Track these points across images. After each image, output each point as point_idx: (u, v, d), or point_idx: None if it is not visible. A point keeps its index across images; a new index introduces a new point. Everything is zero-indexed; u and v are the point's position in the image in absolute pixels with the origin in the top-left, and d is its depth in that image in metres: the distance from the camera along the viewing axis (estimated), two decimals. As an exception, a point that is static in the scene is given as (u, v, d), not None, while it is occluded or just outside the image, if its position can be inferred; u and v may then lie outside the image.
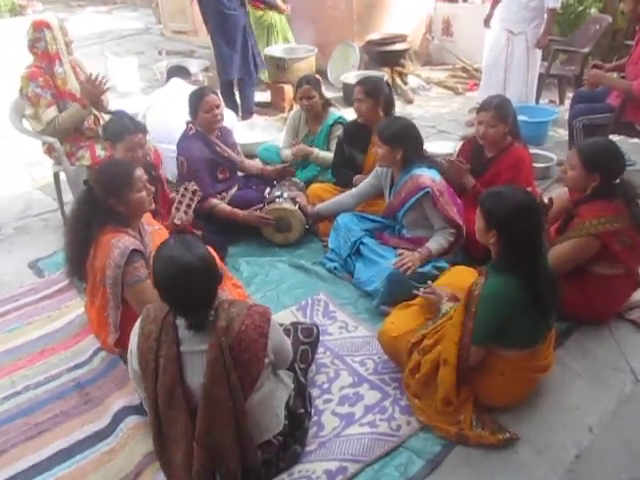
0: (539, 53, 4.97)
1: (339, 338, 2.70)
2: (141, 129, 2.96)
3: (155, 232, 2.60)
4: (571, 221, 2.56)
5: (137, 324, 1.89)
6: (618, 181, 2.53)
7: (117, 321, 2.36)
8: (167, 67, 5.19)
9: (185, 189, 3.03)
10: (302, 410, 2.11)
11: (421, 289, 2.47)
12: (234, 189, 3.59)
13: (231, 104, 5.22)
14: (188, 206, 2.96)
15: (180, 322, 1.82)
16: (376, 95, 3.33)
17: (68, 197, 3.66)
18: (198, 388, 1.80)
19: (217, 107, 3.37)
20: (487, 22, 5.10)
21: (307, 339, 2.37)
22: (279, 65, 5.70)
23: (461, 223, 2.87)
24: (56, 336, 2.75)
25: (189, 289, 1.75)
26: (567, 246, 2.51)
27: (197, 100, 3.35)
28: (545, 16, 4.72)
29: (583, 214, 2.52)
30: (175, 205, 2.95)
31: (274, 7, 5.66)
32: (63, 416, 2.29)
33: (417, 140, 2.95)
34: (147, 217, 2.62)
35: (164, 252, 1.81)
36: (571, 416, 2.25)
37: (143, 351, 1.82)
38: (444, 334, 2.18)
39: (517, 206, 2.04)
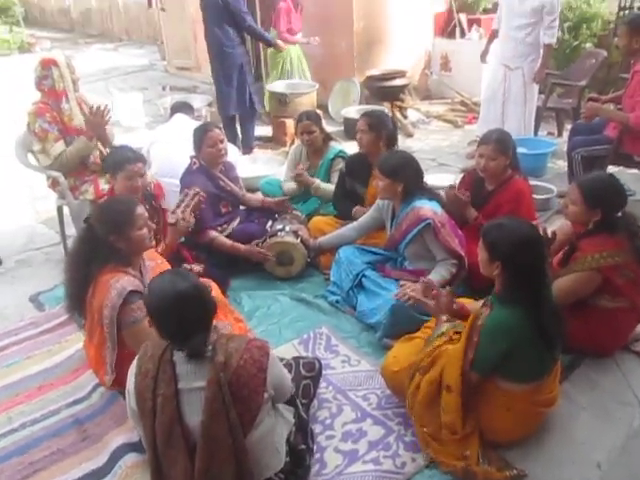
0: (536, 87, 5.05)
1: (341, 372, 2.67)
2: (140, 158, 3.00)
3: (157, 266, 2.59)
4: (573, 254, 2.55)
5: (134, 363, 1.87)
6: (620, 215, 2.53)
7: (113, 362, 2.34)
8: (171, 103, 5.29)
9: (186, 194, 3.06)
10: (303, 446, 2.07)
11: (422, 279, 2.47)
12: (236, 222, 3.60)
13: (233, 139, 5.30)
14: (187, 206, 2.97)
15: (178, 358, 1.80)
16: (379, 129, 3.37)
17: (71, 231, 3.68)
18: (197, 426, 1.76)
19: (221, 142, 3.41)
20: (483, 57, 5.21)
21: (309, 373, 2.34)
22: (281, 100, 5.79)
23: (463, 254, 2.86)
24: (55, 371, 2.72)
25: (182, 317, 1.74)
26: (569, 280, 2.50)
27: (201, 135, 3.40)
28: (541, 51, 4.81)
29: (585, 248, 2.51)
30: (174, 207, 2.97)
31: (271, 45, 5.76)
32: (60, 454, 2.24)
33: (417, 173, 2.97)
34: (149, 252, 2.62)
35: (155, 283, 1.82)
36: (579, 452, 2.20)
37: (140, 390, 1.79)
38: (441, 354, 2.16)
39: (521, 238, 2.04)
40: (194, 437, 1.78)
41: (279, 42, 5.68)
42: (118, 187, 2.94)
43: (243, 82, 5.28)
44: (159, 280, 1.83)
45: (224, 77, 5.27)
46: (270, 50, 6.15)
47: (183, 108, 4.49)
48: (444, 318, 2.32)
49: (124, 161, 2.91)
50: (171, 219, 2.87)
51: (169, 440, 1.77)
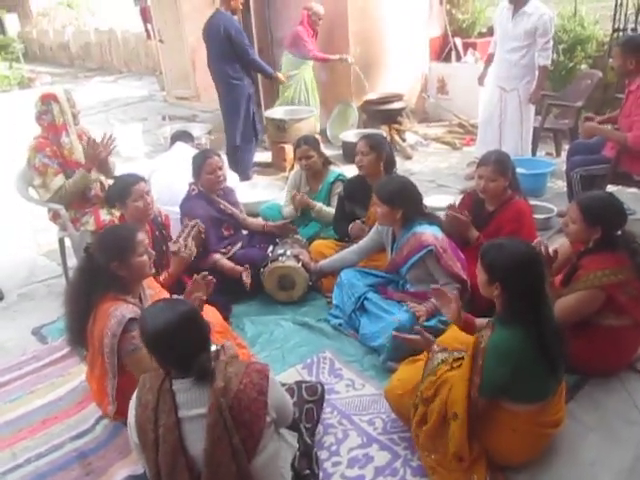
0: (532, 108, 5.11)
1: (346, 397, 2.65)
2: (141, 178, 3.04)
3: (156, 295, 2.59)
4: (575, 273, 2.55)
5: (134, 395, 1.85)
6: (620, 233, 2.54)
7: (114, 392, 2.33)
8: (171, 132, 5.36)
9: (186, 225, 3.11)
10: (308, 471, 2.05)
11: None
12: (238, 245, 3.62)
13: (236, 167, 5.34)
14: (188, 234, 3.02)
15: (177, 387, 1.78)
16: (379, 150, 3.41)
17: (72, 262, 3.68)
18: (200, 455, 1.74)
19: (220, 169, 3.45)
20: (481, 80, 5.28)
21: (311, 397, 2.32)
22: (279, 126, 5.85)
23: (465, 278, 2.86)
24: (59, 404, 2.70)
25: (181, 342, 1.76)
26: (572, 299, 2.49)
27: (200, 162, 3.44)
28: (536, 73, 4.87)
29: (587, 266, 2.51)
30: (175, 238, 3.01)
31: (272, 78, 5.84)
32: (65, 488, 2.22)
33: (416, 198, 2.98)
34: (149, 281, 2.63)
35: (146, 318, 1.83)
36: (587, 473, 2.17)
37: (141, 422, 1.78)
38: (443, 383, 2.15)
39: (519, 258, 2.05)
40: (198, 467, 1.76)
41: (279, 75, 5.78)
42: (130, 212, 2.96)
43: (249, 112, 5.37)
44: (148, 314, 1.83)
45: (232, 108, 5.37)
46: (283, 73, 6.22)
47: (183, 137, 4.54)
48: (436, 348, 2.31)
49: (128, 185, 2.95)
50: (173, 247, 2.90)
51: (173, 472, 1.75)
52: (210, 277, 2.59)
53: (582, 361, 2.47)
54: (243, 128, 5.38)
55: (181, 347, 1.76)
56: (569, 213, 2.62)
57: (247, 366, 1.83)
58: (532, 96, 4.94)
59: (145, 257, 2.40)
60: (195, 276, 2.58)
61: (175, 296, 2.61)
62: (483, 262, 2.13)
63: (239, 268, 3.36)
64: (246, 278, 3.32)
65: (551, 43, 4.81)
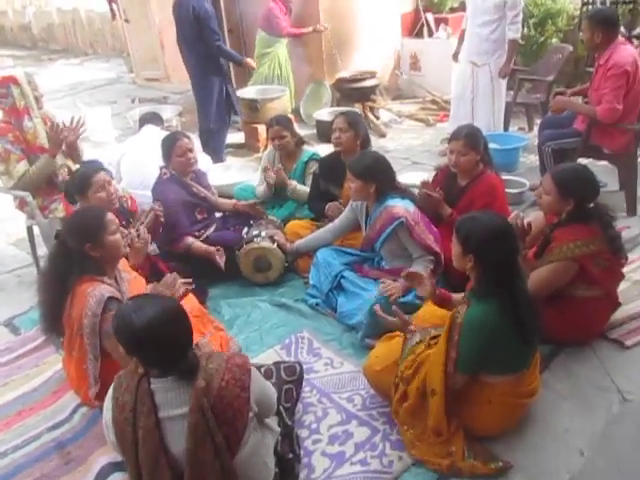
0: (503, 83, 5.11)
1: (325, 375, 2.66)
2: (99, 167, 2.97)
3: (132, 280, 2.57)
4: (548, 245, 2.58)
5: (109, 396, 1.78)
6: (592, 205, 2.57)
7: (97, 373, 2.31)
8: (140, 114, 5.24)
9: (142, 213, 3.07)
10: (291, 455, 2.06)
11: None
12: (212, 229, 3.59)
13: (211, 149, 5.26)
14: (141, 223, 2.97)
15: (156, 387, 1.71)
16: (357, 127, 3.40)
17: (42, 251, 3.62)
18: (182, 453, 1.70)
19: (190, 151, 3.39)
20: (455, 57, 5.28)
21: (290, 377, 2.32)
22: (252, 106, 5.77)
23: (438, 251, 2.88)
24: (34, 395, 2.66)
25: (169, 339, 1.68)
26: (545, 271, 2.53)
27: (170, 145, 3.38)
28: (507, 47, 4.88)
29: (559, 238, 2.54)
30: (130, 227, 2.94)
31: (241, 65, 5.64)
32: (44, 479, 2.19)
33: (389, 172, 2.98)
34: (124, 265, 2.60)
35: (126, 308, 1.73)
36: (561, 440, 2.23)
37: (119, 423, 1.71)
38: (423, 361, 2.17)
39: (493, 230, 2.06)
40: (180, 465, 1.72)
41: (248, 60, 5.61)
42: (94, 204, 2.89)
43: (223, 93, 5.23)
44: (129, 309, 1.71)
45: (205, 90, 5.20)
46: (257, 51, 6.15)
47: (152, 119, 4.45)
48: (413, 328, 2.33)
49: (87, 177, 2.87)
50: (127, 240, 2.77)
51: (155, 472, 1.70)
52: (184, 285, 2.52)
53: (555, 331, 2.52)
54: (217, 109, 5.27)
55: (166, 346, 1.69)
56: (543, 185, 2.65)
57: (227, 360, 1.76)
58: (502, 70, 4.95)
59: (118, 235, 2.38)
60: (167, 275, 2.54)
61: (150, 286, 2.58)
62: (458, 234, 2.14)
63: (212, 249, 3.33)
64: (219, 259, 3.30)
65: (520, 16, 4.81)
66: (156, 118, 4.49)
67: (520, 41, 5.15)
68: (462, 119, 5.02)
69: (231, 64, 6.04)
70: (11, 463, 2.29)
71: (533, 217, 3.01)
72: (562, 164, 2.95)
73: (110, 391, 1.79)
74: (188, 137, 3.47)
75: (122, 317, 1.71)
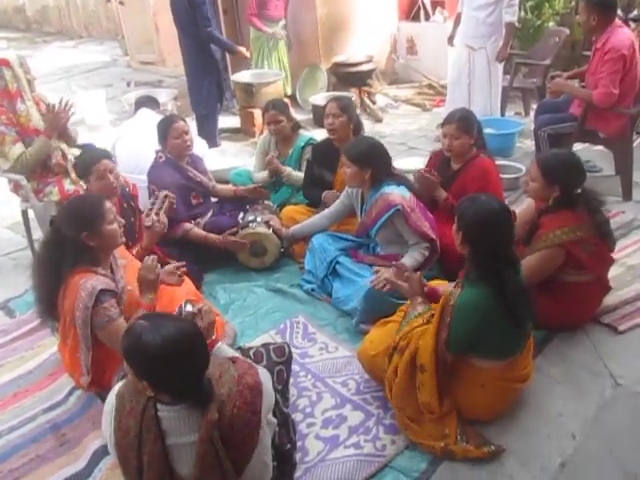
0: (500, 67, 5.09)
1: (320, 360, 2.68)
2: (104, 155, 2.94)
3: (129, 264, 2.56)
4: (535, 232, 2.59)
5: (111, 415, 1.67)
6: (580, 191, 2.58)
7: (88, 363, 2.31)
8: (136, 98, 5.20)
9: (156, 197, 3.02)
10: (289, 446, 2.07)
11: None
12: (208, 215, 3.58)
13: (206, 134, 5.22)
14: (159, 208, 2.93)
15: (164, 415, 1.61)
16: (350, 112, 3.38)
17: (37, 234, 3.60)
18: (189, 475, 1.63)
19: (186, 133, 3.37)
20: (450, 40, 5.24)
21: (280, 359, 2.29)
22: (247, 90, 5.73)
23: (434, 237, 2.88)
24: (29, 377, 2.67)
25: (191, 363, 1.57)
26: (534, 259, 2.53)
27: (166, 127, 3.35)
28: (503, 31, 4.84)
29: (547, 225, 2.55)
30: (146, 211, 2.92)
31: (233, 53, 5.56)
32: (39, 460, 2.21)
33: (385, 158, 2.97)
34: (120, 249, 2.58)
35: (140, 326, 1.58)
36: (554, 424, 2.25)
37: (122, 448, 1.63)
38: (416, 334, 2.18)
39: (484, 212, 2.08)
40: None
41: (241, 49, 5.54)
42: (93, 190, 2.87)
43: (217, 79, 5.18)
44: (143, 328, 1.56)
45: (197, 74, 5.17)
46: (252, 36, 6.13)
47: (148, 102, 4.41)
48: (419, 299, 2.34)
49: (89, 164, 2.85)
50: (147, 222, 2.80)
51: None
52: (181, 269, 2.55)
53: (547, 317, 2.53)
54: (207, 95, 5.22)
55: (181, 372, 1.56)
56: (530, 171, 2.66)
57: (239, 382, 1.66)
58: (499, 54, 4.92)
59: (115, 225, 2.34)
60: (167, 267, 2.54)
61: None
62: (456, 210, 2.17)
63: (212, 236, 3.32)
64: (234, 243, 3.30)
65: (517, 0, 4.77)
66: (152, 101, 4.45)
67: (517, 24, 5.10)
68: (458, 103, 4.99)
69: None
70: (7, 444, 2.30)
71: (527, 203, 3.02)
72: (548, 150, 2.95)
73: (110, 406, 1.69)
74: (184, 120, 3.45)
75: (136, 338, 1.55)
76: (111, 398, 1.70)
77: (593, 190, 2.63)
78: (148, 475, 1.61)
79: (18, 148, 3.31)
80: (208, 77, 5.16)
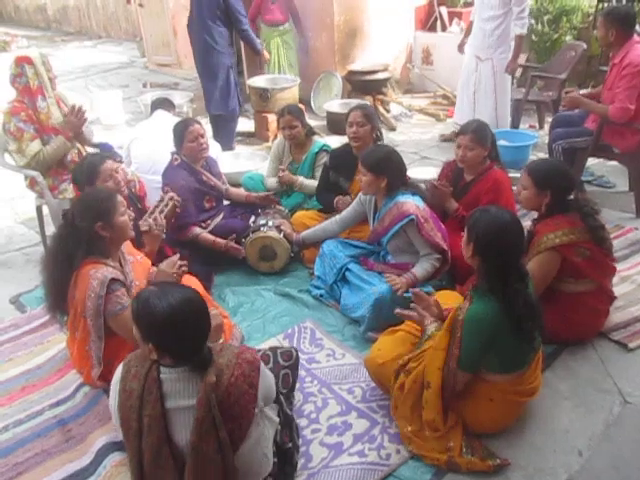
0: (508, 79, 5.10)
1: (326, 366, 2.67)
2: (106, 155, 2.97)
3: (136, 262, 2.59)
4: (531, 240, 2.60)
5: (117, 380, 1.76)
6: (572, 197, 2.61)
7: (100, 354, 2.34)
8: (152, 99, 5.24)
9: (162, 198, 3.01)
10: (290, 444, 2.07)
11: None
12: (219, 217, 3.59)
13: (217, 135, 5.26)
14: (160, 212, 2.92)
15: (165, 377, 1.70)
16: (374, 120, 3.40)
17: (50, 230, 3.63)
18: (186, 445, 1.70)
19: (202, 136, 3.39)
20: (460, 49, 5.31)
21: (287, 362, 2.32)
22: (262, 95, 5.76)
23: (446, 248, 2.87)
24: (38, 372, 2.69)
25: (193, 328, 1.68)
26: (531, 266, 2.52)
27: (182, 130, 3.37)
28: (512, 43, 4.85)
29: (541, 231, 2.58)
30: (148, 213, 2.91)
31: (258, 53, 5.70)
32: (44, 455, 2.22)
33: (400, 167, 2.97)
34: (128, 247, 2.62)
35: (149, 293, 1.70)
36: (560, 440, 2.23)
37: (124, 410, 1.70)
38: (427, 356, 2.17)
39: (496, 223, 2.07)
40: (183, 455, 1.72)
41: (265, 53, 5.68)
42: None
43: (229, 83, 5.22)
44: (152, 294, 1.68)
45: (209, 75, 5.22)
46: (264, 34, 6.23)
47: (164, 104, 4.45)
48: (428, 322, 2.32)
49: (94, 166, 2.86)
50: (144, 227, 2.78)
51: (157, 460, 1.70)
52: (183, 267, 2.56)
53: (551, 330, 2.49)
54: (220, 98, 5.25)
55: (185, 335, 1.66)
56: (520, 181, 2.68)
57: (238, 355, 1.76)
58: (509, 66, 4.93)
59: (126, 217, 2.41)
60: (170, 258, 2.56)
61: (154, 268, 2.61)
62: (468, 221, 2.17)
63: (219, 241, 3.33)
64: (233, 248, 3.32)
65: (527, 12, 4.78)
66: (168, 103, 4.49)
67: (532, 37, 5.10)
68: (466, 111, 5.10)
69: (243, 53, 6.03)
70: (13, 437, 2.32)
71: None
72: (536, 159, 2.97)
73: (118, 375, 1.77)
74: (200, 123, 3.47)
75: (144, 301, 1.67)
76: (118, 370, 1.79)
77: (587, 198, 2.67)
78: (147, 440, 1.68)
79: (35, 145, 3.34)
80: (221, 78, 5.18)
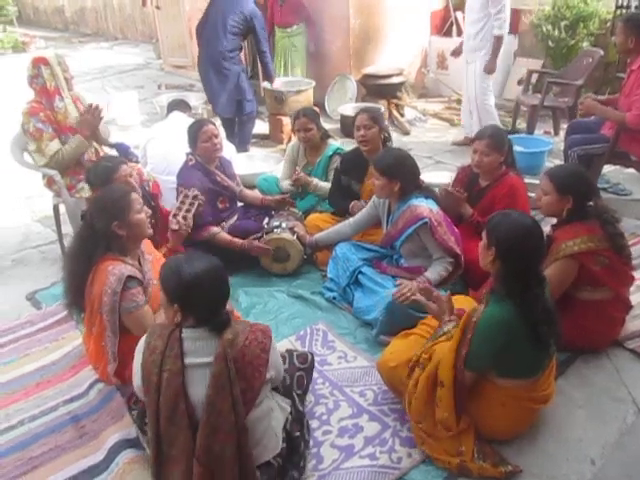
0: (489, 82, 5.14)
1: (338, 368, 2.68)
2: (120, 161, 3.00)
3: (155, 260, 2.61)
4: (550, 246, 2.57)
5: (142, 341, 1.92)
6: (592, 204, 2.58)
7: (115, 349, 2.37)
8: (167, 101, 5.28)
9: (185, 195, 3.01)
10: (298, 433, 2.10)
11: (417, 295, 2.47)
12: (233, 219, 3.61)
13: (231, 137, 5.29)
14: (187, 211, 2.93)
15: (186, 335, 1.86)
16: (381, 122, 3.39)
17: (67, 229, 3.68)
18: (201, 402, 1.82)
19: (215, 136, 3.41)
20: (454, 53, 5.45)
21: (302, 365, 2.36)
22: (277, 98, 5.79)
23: (459, 252, 2.87)
24: (52, 368, 2.72)
25: (216, 290, 1.87)
26: (549, 272, 2.49)
27: (196, 130, 3.39)
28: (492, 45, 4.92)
29: (559, 237, 2.55)
30: (174, 212, 2.92)
31: (270, 80, 5.73)
32: (58, 450, 2.25)
33: (414, 171, 2.97)
34: (147, 245, 2.64)
35: (179, 259, 1.90)
36: (573, 448, 2.21)
37: (147, 365, 1.84)
38: (438, 348, 2.17)
39: (519, 227, 2.06)
40: (197, 415, 1.82)
41: (276, 81, 5.74)
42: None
43: (239, 87, 5.23)
44: (182, 260, 1.88)
45: (218, 79, 5.22)
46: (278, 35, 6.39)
47: (180, 106, 4.48)
48: (448, 318, 2.32)
49: (109, 173, 2.89)
50: (174, 225, 2.80)
51: (173, 417, 1.81)
52: None
53: (569, 337, 2.47)
54: (227, 102, 5.26)
55: (208, 297, 1.85)
56: (541, 186, 2.66)
57: (252, 325, 1.93)
58: (486, 66, 4.98)
59: (143, 215, 2.44)
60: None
61: None
62: (487, 226, 2.15)
63: (237, 240, 3.35)
64: (258, 249, 3.34)
65: (504, 13, 4.82)
66: (184, 105, 4.52)
67: (550, 43, 5.11)
68: (465, 108, 5.29)
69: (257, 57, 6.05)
70: (28, 432, 2.35)
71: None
72: (557, 165, 2.94)
73: (143, 338, 1.92)
74: (214, 124, 3.49)
75: (173, 266, 1.88)
76: (143, 337, 1.93)
77: (606, 205, 2.63)
78: (166, 393, 1.81)
79: (55, 145, 3.38)
80: (231, 82, 5.20)
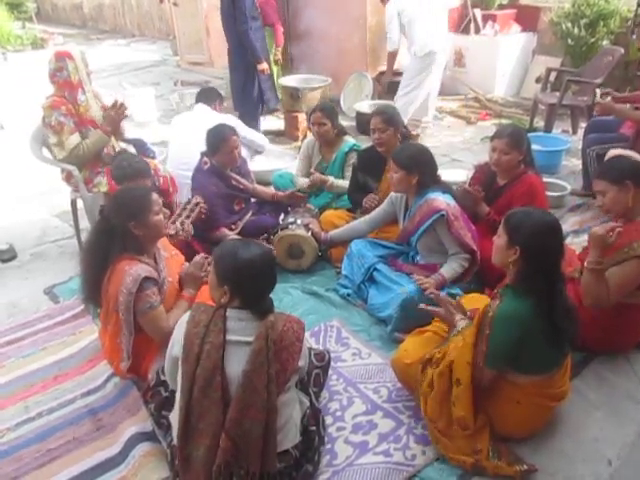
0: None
1: (352, 365, 2.68)
2: (138, 174, 3.02)
3: (171, 258, 2.63)
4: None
5: (186, 314, 2.00)
6: None
7: (129, 348, 2.39)
8: (182, 97, 5.28)
9: (188, 202, 3.03)
10: (314, 428, 2.11)
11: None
12: (248, 215, 3.62)
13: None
14: (187, 217, 2.95)
15: (231, 315, 1.93)
16: (395, 123, 3.36)
17: (84, 224, 3.72)
18: (236, 377, 1.88)
19: (236, 148, 3.41)
20: None
21: (319, 363, 2.38)
22: (293, 95, 5.79)
23: (475, 249, 2.85)
24: (70, 362, 2.75)
25: (268, 276, 1.99)
26: (616, 271, 2.35)
27: (219, 141, 3.36)
28: None
29: (627, 234, 2.33)
30: (173, 217, 2.93)
31: (257, 62, 5.51)
32: (75, 442, 2.27)
33: (432, 165, 2.96)
34: (164, 243, 2.66)
35: (235, 244, 2.01)
36: (590, 449, 2.20)
37: (190, 336, 1.91)
38: (452, 346, 2.16)
39: (544, 225, 2.04)
40: (230, 391, 1.88)
41: (264, 65, 5.47)
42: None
43: (252, 82, 5.24)
44: (238, 246, 1.98)
45: (234, 74, 5.31)
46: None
47: (209, 96, 4.37)
48: (458, 318, 2.31)
49: (124, 178, 2.96)
50: (171, 230, 2.81)
51: (207, 388, 1.87)
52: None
53: (592, 338, 2.45)
54: (242, 94, 5.28)
55: (258, 281, 1.96)
56: (595, 190, 2.56)
57: (288, 316, 2.02)
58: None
59: (161, 216, 2.44)
60: (196, 257, 2.58)
61: (186, 264, 2.66)
62: (507, 225, 2.10)
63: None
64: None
65: (391, 31, 5.37)
66: (214, 94, 4.42)
67: (569, 41, 5.04)
68: None
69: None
70: (46, 424, 2.38)
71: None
72: (601, 164, 2.85)
73: (187, 313, 2.00)
74: (235, 132, 3.46)
75: (229, 249, 1.98)
76: (187, 313, 2.02)
77: None
78: (204, 365, 1.88)
79: (75, 138, 3.40)
80: (244, 76, 5.23)
